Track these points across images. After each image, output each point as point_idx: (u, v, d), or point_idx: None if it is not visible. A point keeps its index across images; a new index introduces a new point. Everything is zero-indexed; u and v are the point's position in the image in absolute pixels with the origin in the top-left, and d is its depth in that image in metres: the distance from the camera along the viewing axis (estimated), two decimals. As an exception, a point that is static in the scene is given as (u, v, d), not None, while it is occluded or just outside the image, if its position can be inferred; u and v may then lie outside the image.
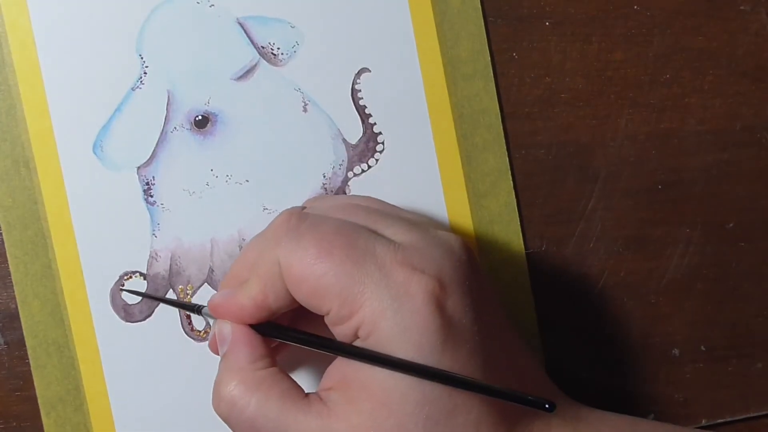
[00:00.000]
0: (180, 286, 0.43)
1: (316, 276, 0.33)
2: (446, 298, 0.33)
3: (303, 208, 0.39)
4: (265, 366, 0.36)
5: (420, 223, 0.37)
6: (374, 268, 0.33)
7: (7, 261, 0.42)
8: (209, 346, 0.39)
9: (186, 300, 0.43)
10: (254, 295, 0.35)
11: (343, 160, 0.43)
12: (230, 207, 0.43)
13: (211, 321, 0.39)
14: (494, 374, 0.34)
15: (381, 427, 0.33)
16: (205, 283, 0.43)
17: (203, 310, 0.39)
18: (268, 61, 0.43)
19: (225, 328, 0.37)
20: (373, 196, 0.43)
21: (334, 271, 0.33)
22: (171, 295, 0.43)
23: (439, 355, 0.33)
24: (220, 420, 0.43)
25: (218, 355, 0.37)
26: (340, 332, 0.34)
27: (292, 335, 0.36)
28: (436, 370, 0.32)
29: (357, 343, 0.34)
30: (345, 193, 0.43)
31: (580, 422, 0.37)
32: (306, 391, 0.36)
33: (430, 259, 0.34)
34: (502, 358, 0.36)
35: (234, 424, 0.35)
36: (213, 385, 0.36)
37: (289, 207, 0.43)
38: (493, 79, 0.44)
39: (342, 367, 0.35)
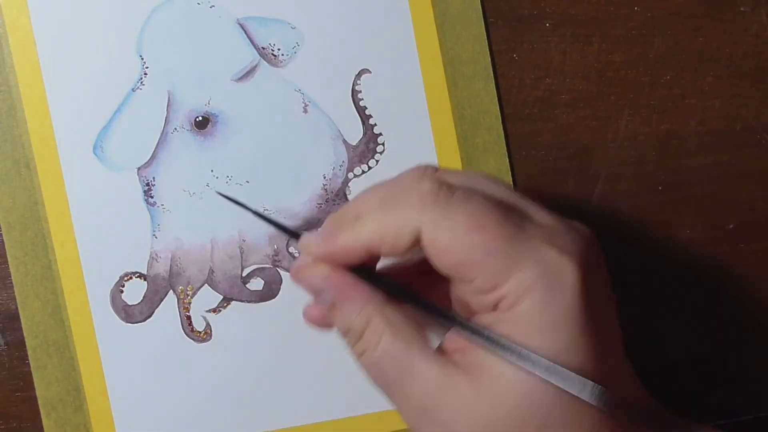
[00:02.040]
0: (180, 287, 0.43)
1: (466, 248, 0.33)
2: (589, 280, 0.33)
3: (436, 170, 0.37)
4: (385, 301, 0.35)
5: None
6: (525, 245, 0.33)
7: (7, 262, 0.42)
8: (291, 272, 0.37)
9: (188, 301, 0.43)
10: (368, 237, 0.34)
11: (343, 161, 0.43)
12: (230, 208, 0.43)
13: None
14: (626, 361, 0.35)
15: (506, 393, 0.32)
16: (206, 284, 0.43)
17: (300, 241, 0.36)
18: (269, 61, 0.43)
19: (319, 272, 0.35)
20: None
21: (485, 245, 0.33)
22: (171, 296, 0.43)
23: (579, 336, 0.33)
24: (220, 420, 0.44)
25: (299, 282, 0.36)
26: (480, 301, 0.34)
27: (410, 295, 0.35)
28: (559, 368, 0.32)
29: (494, 315, 0.33)
30: (345, 195, 0.43)
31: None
32: None
33: (573, 243, 0.34)
34: (618, 352, 0.36)
35: (365, 363, 0.35)
36: (342, 331, 0.35)
37: (286, 207, 0.43)
38: (493, 80, 0.44)
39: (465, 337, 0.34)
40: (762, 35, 0.45)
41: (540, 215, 0.35)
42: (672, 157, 0.45)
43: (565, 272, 0.33)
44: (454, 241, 0.33)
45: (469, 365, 0.33)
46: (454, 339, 0.35)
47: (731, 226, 0.46)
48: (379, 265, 0.37)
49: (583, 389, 0.32)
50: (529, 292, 0.33)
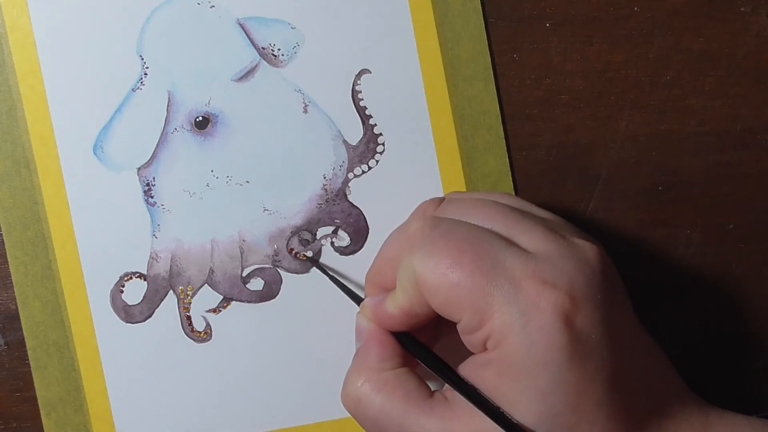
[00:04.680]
0: (180, 287, 0.43)
1: (448, 286, 0.34)
2: (576, 313, 0.33)
3: (442, 200, 0.39)
4: (393, 366, 0.37)
5: (557, 227, 0.37)
6: (504, 280, 0.33)
7: (7, 262, 0.42)
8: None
9: (188, 301, 0.43)
10: (400, 304, 0.36)
11: (343, 161, 0.43)
12: (230, 208, 0.43)
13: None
14: (622, 387, 0.34)
15: None
16: (206, 284, 0.43)
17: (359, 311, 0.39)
18: (269, 62, 0.43)
19: (362, 324, 0.38)
20: (373, 197, 0.43)
21: (464, 282, 0.33)
22: (171, 296, 0.43)
23: (566, 372, 0.33)
24: (220, 420, 0.44)
25: (356, 337, 0.39)
26: (470, 341, 0.35)
27: (422, 355, 0.37)
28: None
29: (485, 355, 0.34)
30: (345, 195, 0.43)
31: (709, 429, 0.36)
32: (433, 388, 0.37)
33: (562, 272, 0.33)
34: (633, 368, 0.35)
35: (359, 420, 0.37)
36: (344, 379, 0.38)
37: (286, 208, 0.43)
38: (493, 80, 0.44)
39: (468, 371, 0.35)
40: (762, 35, 0.45)
41: (532, 242, 0.35)
42: (672, 157, 0.45)
43: (545, 307, 0.33)
44: (437, 280, 0.34)
45: (470, 405, 0.34)
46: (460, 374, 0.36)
47: (731, 226, 0.46)
48: None
49: None
50: (511, 331, 0.33)
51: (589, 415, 0.33)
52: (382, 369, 0.36)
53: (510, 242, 0.35)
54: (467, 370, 0.35)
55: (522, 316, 0.33)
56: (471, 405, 0.34)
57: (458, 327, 0.35)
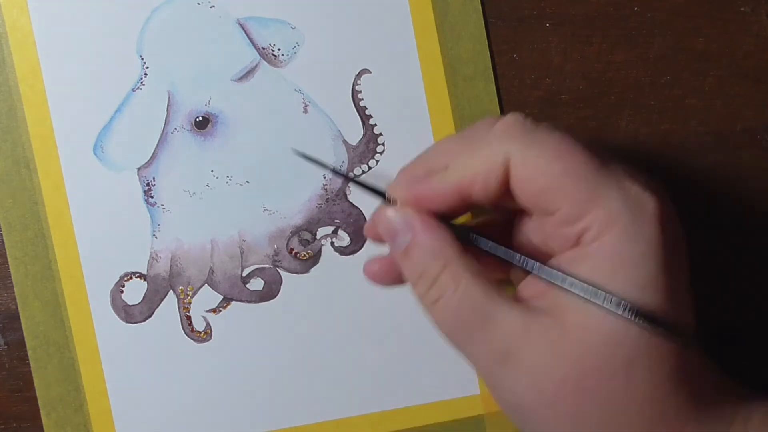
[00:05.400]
0: (180, 287, 0.43)
1: (553, 174, 0.33)
2: (669, 220, 0.33)
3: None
4: (462, 247, 0.34)
5: None
6: (611, 176, 0.33)
7: (7, 262, 0.42)
8: (365, 229, 0.37)
9: (188, 301, 0.43)
10: (460, 178, 0.34)
11: (343, 161, 0.43)
12: (230, 208, 0.43)
13: (390, 212, 0.35)
14: (687, 300, 0.34)
15: (592, 330, 0.32)
16: (206, 284, 0.43)
17: (387, 193, 0.36)
18: (269, 62, 0.43)
19: (398, 219, 0.34)
20: (372, 197, 0.43)
21: (573, 171, 0.32)
22: (171, 296, 0.43)
23: (662, 269, 0.32)
24: (220, 420, 0.44)
25: (373, 239, 0.36)
26: (564, 234, 0.33)
27: (488, 243, 0.35)
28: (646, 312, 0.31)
29: (577, 251, 0.33)
30: (345, 195, 0.43)
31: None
32: None
33: (653, 182, 0.34)
34: (688, 291, 0.35)
35: (440, 309, 0.34)
36: (410, 276, 0.34)
37: (286, 208, 0.43)
38: (493, 80, 0.44)
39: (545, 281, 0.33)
40: (762, 35, 0.45)
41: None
42: (672, 157, 0.45)
43: (649, 206, 0.32)
44: (542, 167, 0.33)
45: (550, 309, 0.33)
46: (531, 285, 0.34)
47: (731, 227, 0.46)
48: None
49: (667, 330, 0.31)
50: (615, 224, 0.32)
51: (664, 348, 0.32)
52: (456, 250, 0.33)
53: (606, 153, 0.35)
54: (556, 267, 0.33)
55: (628, 211, 0.32)
56: (553, 306, 0.32)
57: (552, 219, 0.33)
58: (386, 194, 0.35)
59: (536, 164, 0.33)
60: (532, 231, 0.35)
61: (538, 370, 0.32)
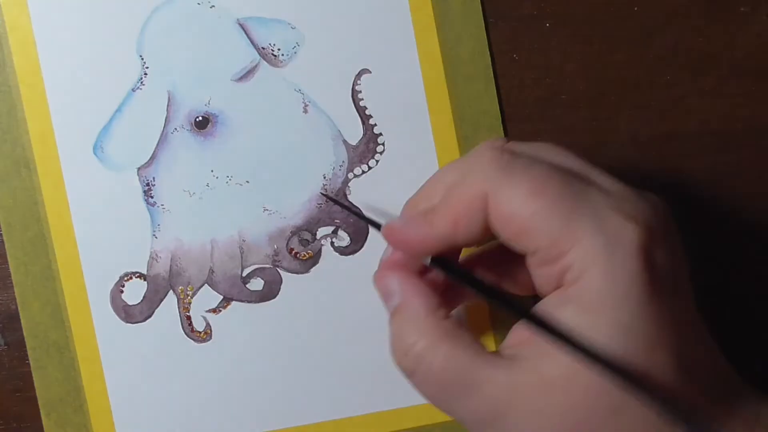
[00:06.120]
0: (180, 287, 0.43)
1: (529, 213, 0.32)
2: (655, 249, 0.32)
3: (505, 141, 0.37)
4: (444, 316, 0.34)
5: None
6: (588, 210, 0.32)
7: (7, 262, 0.42)
8: (375, 279, 0.37)
9: (188, 301, 0.43)
10: (444, 224, 0.34)
11: (343, 161, 0.43)
12: (230, 208, 0.43)
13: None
14: (687, 329, 0.33)
15: (575, 381, 0.31)
16: (206, 284, 0.43)
17: (381, 231, 0.37)
18: (269, 62, 0.43)
19: (393, 282, 0.35)
20: (373, 197, 0.43)
21: (548, 209, 0.32)
22: (171, 296, 0.43)
23: (647, 306, 0.31)
24: (220, 420, 0.44)
25: (385, 298, 0.36)
26: (544, 274, 0.33)
27: (476, 282, 0.35)
28: (615, 364, 0.30)
29: (561, 294, 0.32)
30: (346, 195, 0.43)
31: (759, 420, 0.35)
32: None
33: (640, 210, 0.32)
34: (690, 317, 0.34)
35: (421, 381, 0.34)
36: (391, 342, 0.35)
37: (286, 208, 0.43)
38: (493, 80, 0.44)
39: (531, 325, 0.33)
40: (762, 35, 0.45)
41: (607, 182, 0.34)
42: (672, 157, 0.45)
43: (630, 238, 0.31)
44: (516, 206, 0.32)
45: (535, 357, 0.32)
46: (521, 331, 0.34)
47: (732, 227, 0.46)
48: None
49: (641, 389, 0.30)
50: (593, 263, 0.31)
51: (663, 356, 0.32)
52: (436, 319, 0.34)
53: (588, 180, 0.34)
54: (540, 314, 0.33)
55: (606, 247, 0.31)
56: (540, 356, 0.32)
57: (532, 259, 0.33)
58: (382, 228, 0.36)
59: (510, 204, 0.32)
60: (526, 272, 0.35)
61: (527, 429, 0.32)
